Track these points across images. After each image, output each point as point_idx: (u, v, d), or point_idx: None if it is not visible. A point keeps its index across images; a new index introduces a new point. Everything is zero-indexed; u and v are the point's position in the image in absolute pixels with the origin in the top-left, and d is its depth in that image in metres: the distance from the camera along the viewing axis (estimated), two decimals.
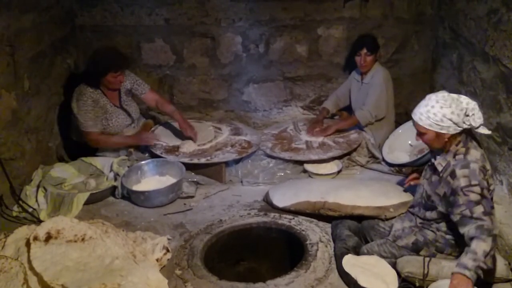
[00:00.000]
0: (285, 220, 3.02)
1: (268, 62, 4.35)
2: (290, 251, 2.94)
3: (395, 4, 4.15)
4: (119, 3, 4.16)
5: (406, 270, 2.43)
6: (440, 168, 2.43)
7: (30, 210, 3.09)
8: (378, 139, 3.89)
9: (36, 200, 3.18)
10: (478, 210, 2.24)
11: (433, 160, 2.51)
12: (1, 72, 3.04)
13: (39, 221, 2.93)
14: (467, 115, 2.32)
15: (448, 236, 2.49)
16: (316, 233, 2.86)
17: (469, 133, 2.41)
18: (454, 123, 2.31)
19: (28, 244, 2.43)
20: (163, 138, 3.80)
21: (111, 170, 3.42)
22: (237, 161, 3.63)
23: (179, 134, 3.87)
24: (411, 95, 4.34)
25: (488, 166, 2.37)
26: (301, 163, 3.63)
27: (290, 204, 3.07)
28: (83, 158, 3.55)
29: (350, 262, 2.52)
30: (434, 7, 4.13)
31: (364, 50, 3.81)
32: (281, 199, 3.14)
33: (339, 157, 3.66)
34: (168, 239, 2.81)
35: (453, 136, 2.37)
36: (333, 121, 4.08)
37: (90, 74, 3.56)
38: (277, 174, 3.59)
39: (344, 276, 2.48)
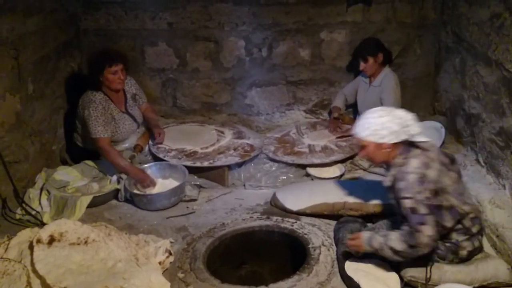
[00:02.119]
0: (288, 223, 3.02)
1: (271, 66, 4.36)
2: (292, 255, 2.94)
3: (398, 9, 4.16)
4: (123, 7, 4.18)
5: (409, 274, 2.43)
6: (389, 185, 2.48)
7: (33, 213, 3.10)
8: None
9: (40, 203, 3.19)
10: (414, 219, 2.29)
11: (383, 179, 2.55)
12: (5, 75, 3.06)
13: (42, 224, 2.94)
14: (406, 125, 2.39)
15: (447, 244, 2.48)
16: (318, 237, 2.86)
17: (410, 144, 2.44)
18: (392, 132, 2.38)
19: (31, 247, 2.44)
20: (166, 141, 3.81)
21: (114, 173, 3.43)
22: (239, 165, 3.63)
23: (182, 137, 3.89)
24: (414, 99, 4.34)
25: (431, 173, 2.35)
26: (303, 166, 3.63)
27: (306, 207, 3.07)
28: (86, 161, 3.56)
29: (352, 266, 2.51)
30: (437, 12, 4.13)
31: (359, 59, 3.87)
32: (294, 202, 3.12)
33: (341, 161, 3.67)
34: (171, 242, 2.81)
35: (394, 147, 2.42)
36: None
37: (90, 77, 3.54)
38: (280, 178, 3.59)
39: (347, 280, 2.48)
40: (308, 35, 4.26)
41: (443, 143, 3.58)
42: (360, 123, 2.47)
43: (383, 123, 2.39)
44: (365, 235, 2.47)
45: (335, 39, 4.26)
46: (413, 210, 2.30)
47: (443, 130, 3.64)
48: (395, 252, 2.34)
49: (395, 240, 2.34)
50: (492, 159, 3.08)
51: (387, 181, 2.49)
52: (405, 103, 4.16)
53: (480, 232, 2.53)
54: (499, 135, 2.98)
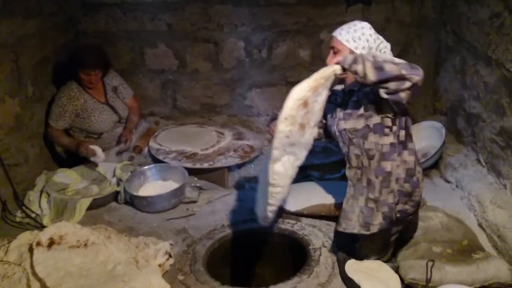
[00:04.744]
0: (288, 225, 3.01)
1: (271, 67, 4.35)
2: (293, 256, 2.93)
3: (398, 8, 4.15)
4: (122, 8, 4.18)
5: (409, 276, 2.42)
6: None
7: (33, 215, 3.09)
8: None
9: (39, 206, 3.18)
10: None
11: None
12: (4, 78, 3.05)
13: (42, 227, 2.93)
14: (380, 50, 2.35)
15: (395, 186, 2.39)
16: (319, 238, 2.85)
17: None
18: (369, 47, 2.32)
19: (31, 250, 2.44)
20: (165, 142, 3.81)
21: (114, 175, 3.43)
22: (239, 166, 3.63)
23: (181, 139, 3.88)
24: (414, 100, 4.32)
25: None
26: (303, 167, 3.61)
27: (303, 208, 3.05)
28: (86, 164, 3.55)
29: (353, 267, 2.51)
30: (436, 11, 4.12)
31: None
32: (292, 203, 3.11)
33: (341, 161, 3.65)
34: (171, 244, 2.80)
35: None
36: None
37: (67, 65, 3.61)
38: None
39: (347, 281, 2.47)
40: (308, 36, 4.25)
41: (443, 143, 3.56)
42: (344, 26, 2.36)
43: (364, 34, 2.32)
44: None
45: None
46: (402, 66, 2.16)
47: (443, 130, 3.62)
48: (388, 60, 2.14)
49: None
50: (493, 159, 3.07)
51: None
52: None
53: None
54: (500, 135, 2.97)
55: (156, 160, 3.66)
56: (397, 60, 2.15)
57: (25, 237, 2.60)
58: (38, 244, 2.44)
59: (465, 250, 2.63)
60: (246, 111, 4.51)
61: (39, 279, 2.31)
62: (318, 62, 4.31)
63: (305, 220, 3.03)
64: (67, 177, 3.43)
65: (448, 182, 3.47)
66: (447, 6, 3.94)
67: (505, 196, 2.89)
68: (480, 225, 2.94)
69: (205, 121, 4.43)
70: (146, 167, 3.52)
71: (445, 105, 4.02)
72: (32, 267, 2.36)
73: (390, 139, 2.37)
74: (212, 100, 4.48)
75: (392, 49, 4.00)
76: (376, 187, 2.40)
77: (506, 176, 2.91)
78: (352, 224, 2.47)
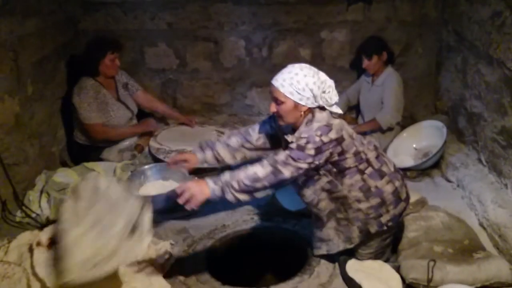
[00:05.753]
0: (289, 224, 3.00)
1: (271, 66, 4.33)
2: (293, 256, 2.92)
3: (399, 7, 4.14)
4: (122, 7, 4.16)
5: (411, 276, 2.41)
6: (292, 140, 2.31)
7: (33, 215, 3.08)
8: (385, 143, 3.88)
9: (40, 206, 3.17)
10: (296, 154, 2.18)
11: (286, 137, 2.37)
12: (4, 77, 3.04)
13: (42, 227, 2.92)
14: (324, 92, 2.27)
15: (353, 193, 2.38)
16: None
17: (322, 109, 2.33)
18: (313, 95, 2.24)
19: (31, 250, 2.43)
20: (166, 142, 3.80)
21: (114, 174, 3.41)
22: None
23: (182, 138, 3.87)
24: (415, 99, 4.32)
25: (336, 126, 2.27)
26: None
27: (303, 207, 3.04)
28: (86, 164, 3.53)
29: (353, 267, 2.50)
30: (438, 10, 4.11)
31: (363, 56, 3.85)
32: (293, 202, 3.11)
33: None
34: (171, 244, 2.80)
35: (306, 112, 2.29)
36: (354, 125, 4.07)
37: (88, 62, 3.62)
38: None
39: (348, 281, 2.46)
40: (309, 35, 4.24)
41: (445, 142, 3.55)
42: (285, 76, 2.26)
43: (308, 84, 2.22)
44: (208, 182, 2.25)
45: (336, 38, 4.24)
46: (301, 148, 2.19)
47: (444, 130, 3.61)
48: (254, 179, 2.18)
49: (259, 166, 2.21)
50: (494, 158, 3.06)
51: (289, 139, 2.32)
52: (407, 102, 4.16)
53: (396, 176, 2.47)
54: (501, 134, 2.96)
55: (156, 160, 3.65)
56: (260, 173, 2.20)
57: (25, 237, 2.60)
58: (38, 244, 2.43)
59: (466, 250, 2.62)
60: (247, 110, 4.50)
61: (40, 279, 2.31)
62: (319, 61, 4.32)
63: (306, 220, 3.01)
64: (67, 176, 3.41)
65: (449, 181, 3.46)
66: (448, 5, 3.93)
67: (506, 195, 2.88)
68: (481, 225, 2.94)
69: (206, 120, 4.42)
70: (146, 166, 3.50)
71: (446, 105, 4.02)
72: (32, 267, 2.35)
73: (324, 179, 2.37)
74: (213, 99, 4.47)
75: (394, 49, 4.08)
76: (341, 209, 2.45)
77: (507, 176, 2.90)
78: (336, 243, 2.53)
